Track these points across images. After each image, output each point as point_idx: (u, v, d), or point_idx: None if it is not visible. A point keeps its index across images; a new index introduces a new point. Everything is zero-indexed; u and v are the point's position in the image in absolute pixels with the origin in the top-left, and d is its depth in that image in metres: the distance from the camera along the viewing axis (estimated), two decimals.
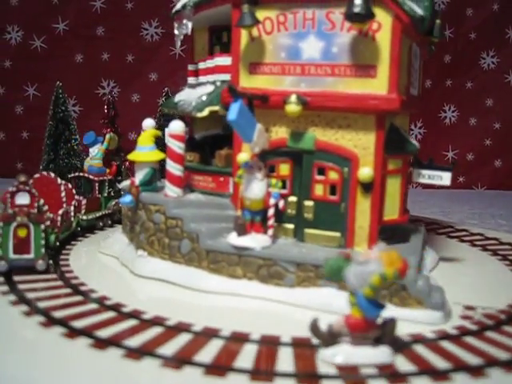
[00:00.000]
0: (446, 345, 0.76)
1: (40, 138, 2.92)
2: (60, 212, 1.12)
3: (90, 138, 1.33)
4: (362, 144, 0.87)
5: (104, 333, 0.75)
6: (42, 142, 2.87)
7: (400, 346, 0.72)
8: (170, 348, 0.71)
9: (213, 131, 1.01)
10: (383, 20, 0.81)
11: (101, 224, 1.30)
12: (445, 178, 0.99)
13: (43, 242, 0.92)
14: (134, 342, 0.72)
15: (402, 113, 0.96)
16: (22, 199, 0.91)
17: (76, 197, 1.16)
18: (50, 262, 0.98)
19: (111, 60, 2.91)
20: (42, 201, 0.96)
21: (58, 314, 0.80)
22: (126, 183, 1.01)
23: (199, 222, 0.92)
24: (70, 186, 1.14)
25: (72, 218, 1.17)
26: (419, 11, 0.84)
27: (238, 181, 0.91)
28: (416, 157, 1.00)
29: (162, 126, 1.22)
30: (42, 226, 0.92)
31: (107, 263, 1.06)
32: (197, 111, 0.93)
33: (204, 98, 0.96)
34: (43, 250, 0.92)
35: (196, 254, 0.92)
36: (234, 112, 0.79)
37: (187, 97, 1.03)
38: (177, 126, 0.93)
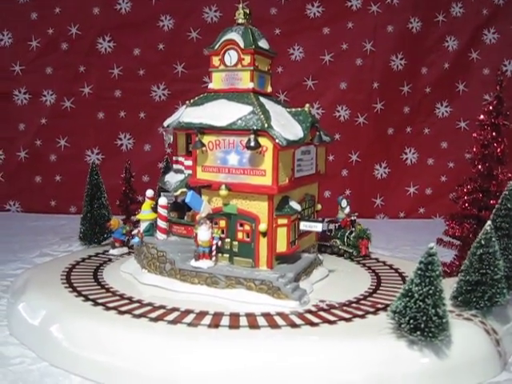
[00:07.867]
0: (293, 316, 1.59)
1: (70, 180, 3.82)
2: None
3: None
4: (261, 210, 1.71)
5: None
6: (72, 184, 3.74)
7: None
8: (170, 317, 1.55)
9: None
10: (267, 145, 1.66)
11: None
12: (319, 227, 1.81)
13: None
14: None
15: (291, 190, 1.79)
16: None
17: None
18: None
19: (127, 117, 3.80)
20: None
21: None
22: (135, 231, 1.87)
23: (175, 253, 1.78)
24: None
25: None
26: (290, 139, 1.68)
27: (195, 230, 1.76)
28: (301, 214, 1.83)
29: (159, 190, 2.07)
30: None
31: (126, 277, 1.93)
32: (174, 191, 1.80)
33: (178, 183, 1.83)
34: None
35: (173, 271, 1.78)
36: (188, 196, 1.65)
37: (171, 179, 1.90)
38: (163, 201, 1.81)
